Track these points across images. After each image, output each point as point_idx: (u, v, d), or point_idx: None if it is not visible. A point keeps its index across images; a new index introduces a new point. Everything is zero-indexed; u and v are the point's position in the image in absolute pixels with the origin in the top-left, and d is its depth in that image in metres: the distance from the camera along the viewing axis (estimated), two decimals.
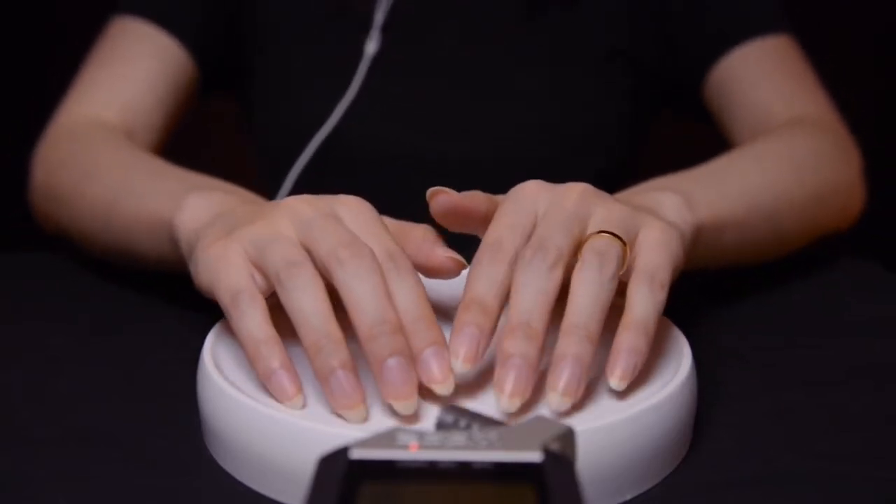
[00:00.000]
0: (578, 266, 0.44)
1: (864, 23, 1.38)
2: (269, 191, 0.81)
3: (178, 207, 0.54)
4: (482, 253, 0.45)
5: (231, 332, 0.48)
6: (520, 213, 0.46)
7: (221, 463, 0.43)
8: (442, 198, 0.48)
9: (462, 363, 0.42)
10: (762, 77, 0.78)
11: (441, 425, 0.37)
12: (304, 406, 0.42)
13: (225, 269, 0.45)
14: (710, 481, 0.42)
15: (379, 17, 0.79)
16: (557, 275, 0.43)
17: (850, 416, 0.48)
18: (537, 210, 0.47)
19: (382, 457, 0.32)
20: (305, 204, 0.47)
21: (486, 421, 0.36)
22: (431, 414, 0.37)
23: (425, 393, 0.43)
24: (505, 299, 0.44)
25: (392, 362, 0.41)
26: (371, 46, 0.79)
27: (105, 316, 0.60)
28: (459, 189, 0.49)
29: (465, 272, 0.46)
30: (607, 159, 0.82)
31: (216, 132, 1.03)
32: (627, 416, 0.40)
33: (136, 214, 0.60)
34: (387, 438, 0.33)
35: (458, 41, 0.81)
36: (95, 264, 0.68)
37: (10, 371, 0.52)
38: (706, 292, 0.64)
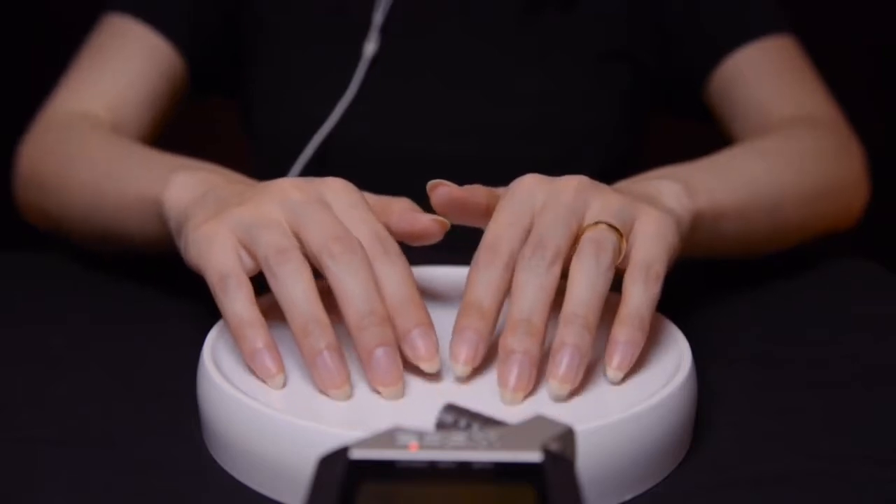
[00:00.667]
0: (576, 257, 0.45)
1: (865, 23, 1.38)
2: None
3: (165, 186, 0.56)
4: (480, 255, 0.46)
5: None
6: (517, 210, 0.47)
7: (221, 463, 0.43)
8: (441, 190, 0.49)
9: (462, 366, 0.44)
10: (764, 78, 0.78)
11: (441, 425, 0.37)
12: (284, 385, 0.44)
13: (213, 251, 0.47)
14: (710, 481, 0.42)
15: (378, 17, 0.79)
16: (556, 270, 0.45)
17: (851, 416, 0.48)
18: (535, 204, 0.48)
19: (382, 457, 0.32)
20: (294, 188, 0.48)
21: (486, 421, 0.36)
22: (431, 414, 0.37)
23: (426, 393, 0.43)
24: (502, 300, 0.45)
25: (380, 352, 0.43)
26: (370, 47, 0.79)
27: (105, 316, 0.60)
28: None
29: (460, 272, 0.47)
30: (606, 159, 0.82)
31: (216, 133, 1.03)
32: (627, 416, 0.40)
33: (124, 195, 0.62)
34: (387, 438, 0.33)
35: (456, 41, 0.81)
36: (95, 264, 0.68)
37: (10, 371, 0.52)
38: (706, 292, 0.64)
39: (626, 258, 0.47)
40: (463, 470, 0.31)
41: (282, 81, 0.82)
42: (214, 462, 0.44)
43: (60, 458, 0.44)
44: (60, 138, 0.72)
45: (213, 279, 0.46)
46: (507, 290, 0.45)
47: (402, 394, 0.43)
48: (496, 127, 0.80)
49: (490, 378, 0.46)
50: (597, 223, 0.46)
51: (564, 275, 0.46)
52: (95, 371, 0.52)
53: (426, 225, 0.50)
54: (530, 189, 0.48)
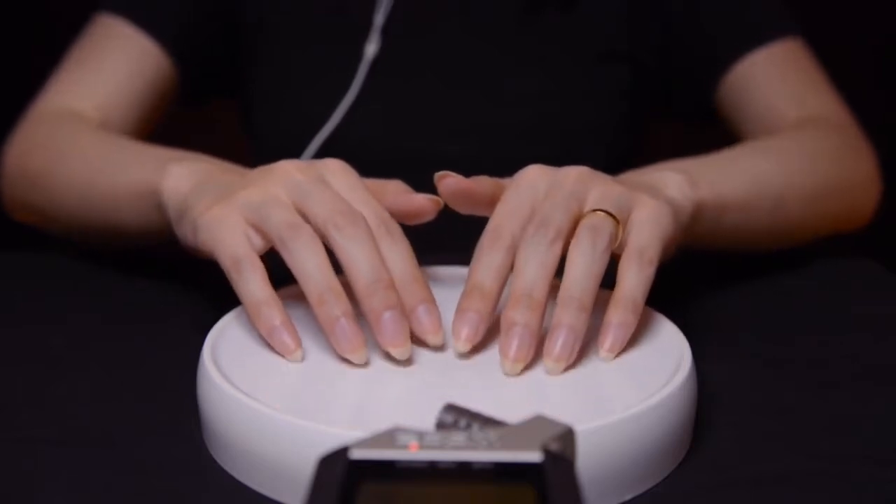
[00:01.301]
0: (573, 243, 0.47)
1: (866, 23, 1.38)
2: None
3: (162, 176, 0.57)
4: (483, 240, 0.49)
5: (231, 332, 0.49)
6: (520, 199, 0.50)
7: (221, 463, 0.43)
8: (449, 181, 0.52)
9: (463, 344, 0.46)
10: (774, 83, 0.78)
11: (441, 425, 0.37)
12: (303, 359, 0.46)
13: (224, 234, 0.48)
14: (710, 481, 0.42)
15: (379, 18, 0.79)
16: (557, 249, 0.47)
17: (850, 416, 0.48)
18: (538, 193, 0.50)
19: (382, 457, 0.32)
20: (296, 169, 0.50)
21: (486, 421, 0.36)
22: (431, 414, 0.37)
23: (426, 393, 0.43)
24: (504, 283, 0.48)
25: (388, 315, 0.45)
26: (371, 48, 0.79)
27: (105, 316, 0.60)
28: None
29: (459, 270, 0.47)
30: (606, 159, 0.82)
31: (216, 132, 1.03)
32: (627, 416, 0.40)
33: (118, 186, 0.63)
34: (387, 438, 0.33)
35: (457, 42, 0.81)
36: (95, 264, 0.68)
37: (10, 371, 0.52)
38: (707, 291, 0.64)
39: (622, 245, 0.49)
40: (463, 470, 0.31)
41: (282, 81, 0.82)
42: (214, 462, 0.44)
43: (60, 458, 0.44)
44: (50, 133, 0.72)
45: (226, 262, 0.48)
46: (508, 273, 0.48)
47: (409, 353, 0.46)
48: (496, 127, 0.80)
49: (490, 378, 0.46)
50: (595, 210, 0.48)
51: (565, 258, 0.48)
52: (95, 371, 0.52)
53: (421, 204, 0.53)
54: (534, 179, 0.50)
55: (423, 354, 0.48)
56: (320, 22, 0.81)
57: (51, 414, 0.48)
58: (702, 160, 0.63)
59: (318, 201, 0.48)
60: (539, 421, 0.35)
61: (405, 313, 0.46)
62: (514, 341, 0.45)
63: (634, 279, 0.47)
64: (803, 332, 0.58)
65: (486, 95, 0.80)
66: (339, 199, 0.49)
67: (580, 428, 0.37)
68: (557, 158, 0.82)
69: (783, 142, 0.72)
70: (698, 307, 0.61)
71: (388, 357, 0.47)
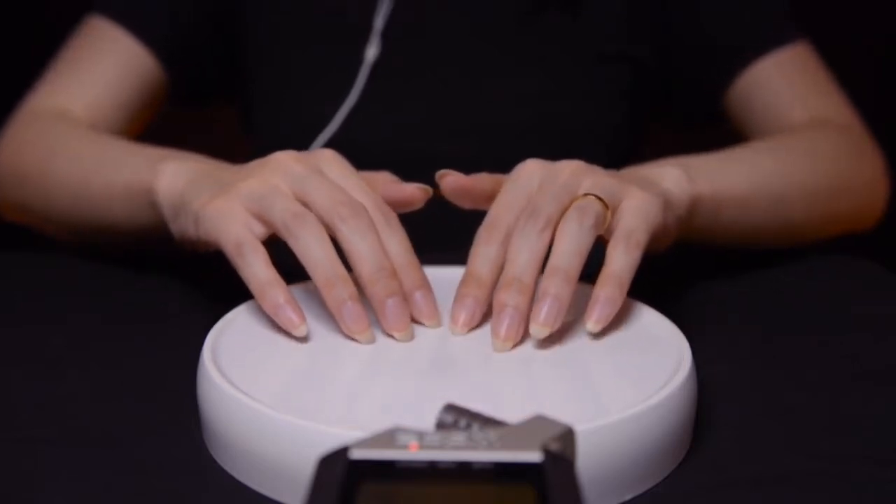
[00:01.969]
0: (562, 221, 0.50)
1: (865, 23, 1.38)
2: None
3: (154, 174, 0.59)
4: (481, 232, 0.52)
5: (231, 332, 0.49)
6: (516, 192, 0.53)
7: (221, 463, 0.43)
8: (449, 178, 0.55)
9: (460, 328, 0.50)
10: (783, 88, 0.79)
11: (441, 425, 0.37)
12: (307, 334, 0.48)
13: (227, 223, 0.50)
14: (710, 481, 0.42)
15: (378, 22, 0.79)
16: (546, 236, 0.50)
17: (850, 416, 0.48)
18: (533, 186, 0.53)
19: (382, 457, 0.32)
20: (292, 160, 0.53)
21: (486, 421, 0.36)
22: (431, 414, 0.37)
23: (426, 393, 0.43)
24: (499, 272, 0.51)
25: (391, 301, 0.49)
26: (371, 52, 0.79)
27: (105, 316, 0.60)
28: None
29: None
30: (606, 159, 0.82)
31: (215, 134, 1.03)
32: (627, 416, 0.40)
33: (112, 185, 0.64)
34: (387, 438, 0.33)
35: (457, 42, 0.81)
36: (95, 264, 0.68)
37: (10, 371, 0.52)
38: (706, 292, 0.64)
39: (610, 230, 0.51)
40: (463, 470, 0.31)
41: (283, 87, 0.82)
42: (214, 462, 0.44)
43: (60, 458, 0.44)
44: (41, 132, 0.73)
45: (229, 248, 0.50)
46: (503, 262, 0.50)
47: (412, 337, 0.49)
48: (496, 127, 0.80)
49: (490, 378, 0.46)
50: (586, 195, 0.51)
51: None
52: (95, 371, 0.52)
53: (412, 192, 0.55)
54: (530, 173, 0.53)
55: (424, 355, 0.48)
56: (320, 23, 0.81)
57: (51, 414, 0.48)
58: (703, 157, 0.64)
59: (319, 192, 0.50)
60: (539, 421, 0.35)
61: (405, 298, 0.49)
62: (505, 321, 0.48)
63: (621, 259, 0.50)
64: (803, 332, 0.58)
65: (486, 96, 0.80)
66: (340, 189, 0.51)
67: (580, 428, 0.37)
68: (557, 158, 0.82)
69: (785, 142, 0.73)
70: (698, 307, 0.61)
71: (389, 356, 0.47)
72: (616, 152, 0.83)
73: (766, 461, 0.44)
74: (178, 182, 0.57)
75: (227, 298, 0.53)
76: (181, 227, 0.56)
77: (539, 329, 0.48)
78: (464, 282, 0.51)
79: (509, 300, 0.48)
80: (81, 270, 0.68)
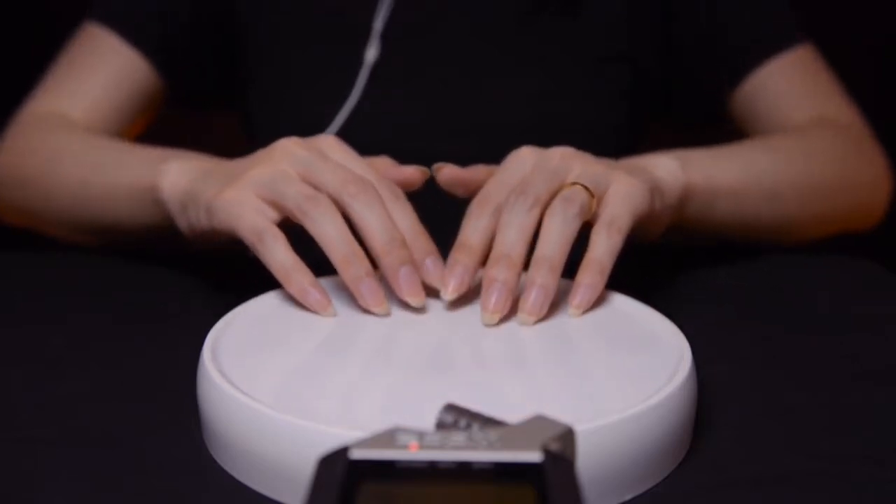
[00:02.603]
0: (548, 210, 0.52)
1: (865, 23, 1.38)
2: None
3: (159, 173, 0.61)
4: (472, 206, 0.55)
5: (231, 332, 0.49)
6: (509, 173, 0.56)
7: (221, 463, 0.43)
8: (446, 171, 0.58)
9: (451, 293, 0.52)
10: (788, 92, 0.79)
11: (441, 425, 0.37)
12: (336, 314, 0.51)
13: (243, 212, 0.52)
14: (710, 481, 0.42)
15: (378, 23, 0.79)
16: (535, 214, 0.52)
17: (850, 416, 0.48)
18: (526, 169, 0.55)
19: (382, 457, 0.32)
20: (297, 146, 0.55)
21: (486, 421, 0.36)
22: (431, 414, 0.37)
23: (426, 393, 0.43)
24: (488, 242, 0.53)
25: (404, 270, 0.51)
26: (371, 54, 0.79)
27: (105, 316, 0.60)
28: None
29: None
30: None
31: (215, 135, 1.03)
32: (627, 416, 0.40)
33: (114, 185, 0.66)
34: (387, 438, 0.33)
35: (457, 42, 0.81)
36: (95, 264, 0.68)
37: (10, 371, 0.52)
38: (706, 292, 0.64)
39: (595, 216, 0.53)
40: (463, 470, 0.31)
41: (283, 88, 0.82)
42: (214, 462, 0.44)
43: (60, 458, 0.44)
44: (42, 136, 0.74)
45: (248, 236, 0.52)
46: (492, 234, 0.53)
47: (424, 302, 0.51)
48: (496, 127, 0.80)
49: (490, 378, 0.46)
50: (573, 184, 0.53)
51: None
52: (95, 371, 0.52)
53: (411, 173, 0.58)
54: (523, 157, 0.56)
55: (424, 355, 0.48)
56: (319, 24, 0.81)
57: (51, 414, 0.48)
58: (698, 150, 0.66)
59: (326, 173, 0.52)
60: (539, 421, 0.35)
61: (417, 267, 0.52)
62: (493, 295, 0.50)
63: (603, 245, 0.52)
64: (803, 331, 0.58)
65: (486, 96, 0.80)
66: (346, 168, 0.53)
67: (580, 428, 0.37)
68: None
69: (782, 139, 0.74)
70: (698, 307, 0.61)
71: (389, 357, 0.47)
72: (616, 153, 0.83)
73: (766, 461, 0.44)
74: (183, 179, 0.59)
75: (227, 299, 0.53)
76: (190, 220, 0.58)
77: (526, 317, 0.50)
78: (455, 249, 0.53)
79: (498, 275, 0.50)
80: (81, 270, 0.68)
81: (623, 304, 0.53)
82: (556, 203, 0.52)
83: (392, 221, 0.52)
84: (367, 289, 0.51)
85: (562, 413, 0.37)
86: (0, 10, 1.25)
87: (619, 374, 0.46)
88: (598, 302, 0.53)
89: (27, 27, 1.26)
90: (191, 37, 0.81)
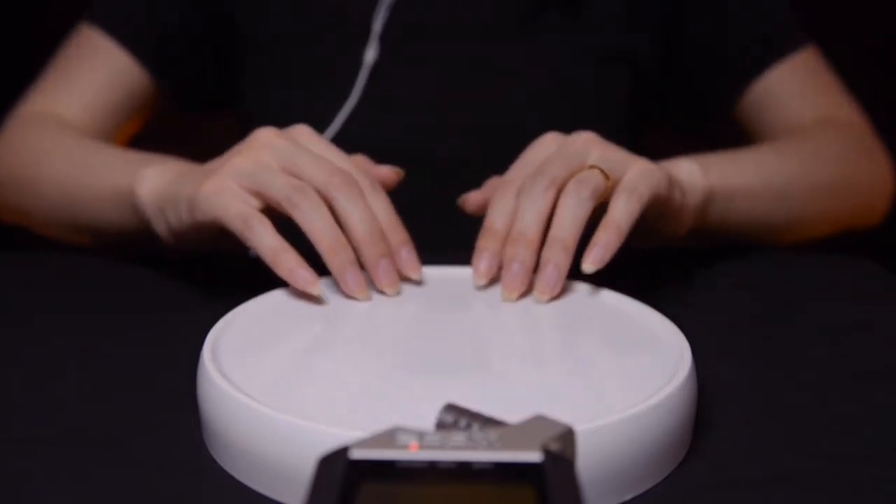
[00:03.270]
0: (563, 193, 0.54)
1: (865, 23, 1.38)
2: None
3: (136, 181, 0.62)
4: (497, 190, 0.58)
5: (231, 332, 0.49)
6: (532, 157, 0.58)
7: (221, 463, 0.43)
8: (470, 204, 0.61)
9: (481, 278, 0.54)
10: (793, 95, 0.80)
11: (441, 425, 0.37)
12: (321, 293, 0.52)
13: (226, 200, 0.53)
14: (710, 481, 0.42)
15: (377, 25, 0.79)
16: (550, 195, 0.54)
17: (850, 416, 0.48)
18: (547, 153, 0.57)
19: (382, 457, 0.32)
20: (275, 136, 0.56)
21: (486, 421, 0.36)
22: (431, 414, 0.37)
23: (426, 393, 0.43)
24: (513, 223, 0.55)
25: (384, 262, 0.53)
26: (370, 55, 0.79)
27: (105, 316, 0.60)
28: (463, 190, 0.62)
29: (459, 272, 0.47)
30: None
31: (216, 138, 1.03)
32: (627, 416, 0.40)
33: (99, 188, 0.67)
34: (386, 438, 0.33)
35: (457, 43, 0.81)
36: (95, 264, 0.68)
37: (10, 371, 0.52)
38: (706, 292, 0.64)
39: (614, 190, 0.54)
40: (463, 470, 0.31)
41: (283, 90, 0.82)
42: (214, 462, 0.44)
43: (60, 458, 0.44)
44: (34, 135, 0.75)
45: (234, 223, 0.53)
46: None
47: (399, 292, 0.54)
48: (496, 127, 0.80)
49: (490, 379, 0.46)
50: (590, 167, 0.54)
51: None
52: (95, 371, 0.52)
53: (386, 173, 0.60)
54: (547, 143, 0.59)
55: (424, 355, 0.48)
56: (319, 30, 0.81)
57: (51, 414, 0.48)
58: (711, 154, 0.67)
59: (308, 165, 0.54)
60: (539, 421, 0.35)
61: (394, 258, 0.54)
62: (510, 274, 0.53)
63: (622, 208, 0.53)
64: (803, 332, 0.58)
65: (486, 96, 0.80)
66: (327, 160, 0.55)
67: (580, 428, 0.37)
68: None
69: (790, 141, 0.75)
70: (698, 307, 0.61)
71: (389, 357, 0.47)
72: None
73: (766, 461, 0.44)
74: (160, 183, 0.60)
75: (227, 299, 0.53)
76: (169, 222, 0.59)
77: (540, 296, 0.52)
78: (482, 234, 0.56)
79: (516, 255, 0.53)
80: (81, 270, 0.68)
81: (623, 305, 0.53)
82: (570, 185, 0.53)
83: (373, 213, 0.54)
84: (352, 277, 0.53)
85: (562, 413, 0.37)
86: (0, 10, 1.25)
87: (619, 374, 0.46)
88: (599, 302, 0.53)
89: (27, 27, 1.26)
90: (187, 40, 0.82)
